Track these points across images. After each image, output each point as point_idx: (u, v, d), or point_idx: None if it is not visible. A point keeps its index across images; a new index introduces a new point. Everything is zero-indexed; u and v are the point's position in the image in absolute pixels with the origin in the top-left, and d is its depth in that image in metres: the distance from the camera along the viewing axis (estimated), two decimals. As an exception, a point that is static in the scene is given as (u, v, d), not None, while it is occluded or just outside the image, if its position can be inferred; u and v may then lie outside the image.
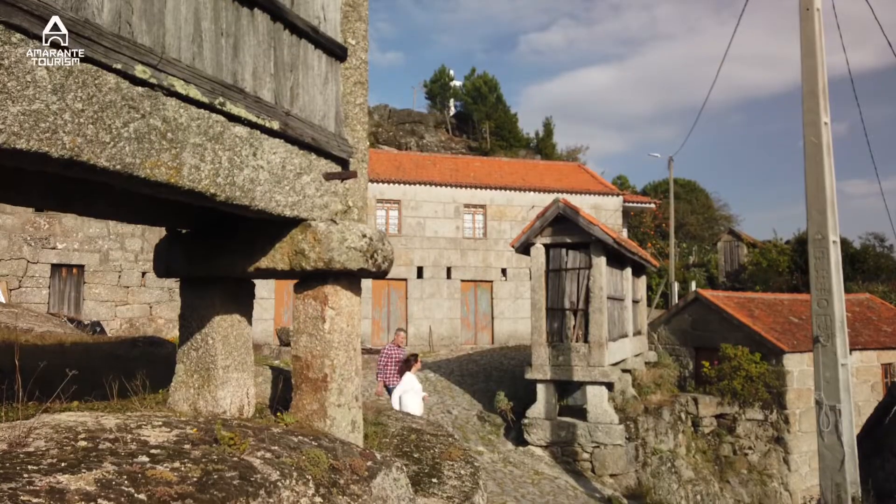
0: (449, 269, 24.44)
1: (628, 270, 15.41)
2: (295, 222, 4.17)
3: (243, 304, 4.87)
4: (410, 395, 9.40)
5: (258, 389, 5.08)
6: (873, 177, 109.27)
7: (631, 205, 27.61)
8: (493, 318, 24.86)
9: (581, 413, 12.49)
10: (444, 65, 64.25)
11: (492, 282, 24.92)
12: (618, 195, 26.56)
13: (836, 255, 7.48)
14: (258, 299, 20.75)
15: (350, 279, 4.49)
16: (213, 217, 4.47)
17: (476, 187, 24.81)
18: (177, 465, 2.58)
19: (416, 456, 5.06)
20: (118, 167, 2.82)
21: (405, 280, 23.98)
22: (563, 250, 12.69)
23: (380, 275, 4.59)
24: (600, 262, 12.29)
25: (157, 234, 22.01)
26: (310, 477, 2.94)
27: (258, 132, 3.69)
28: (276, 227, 4.22)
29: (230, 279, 4.74)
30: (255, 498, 2.56)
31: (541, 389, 12.60)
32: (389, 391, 10.33)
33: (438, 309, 24.20)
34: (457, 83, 52.85)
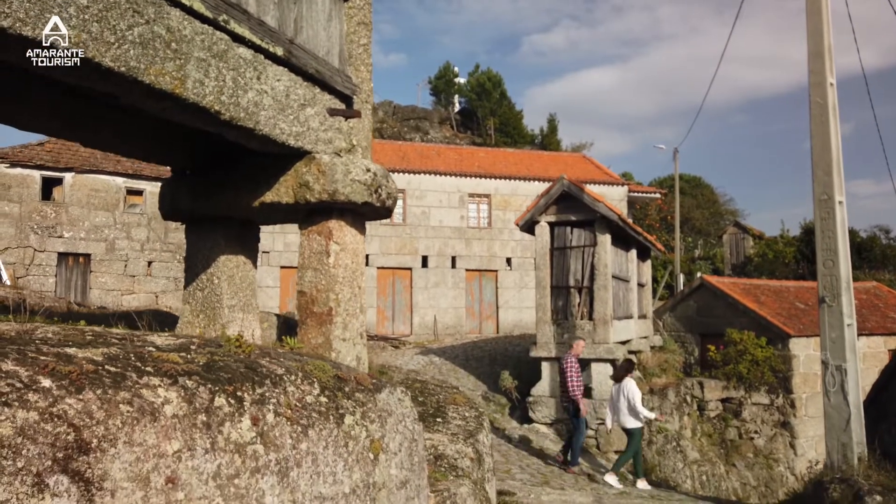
0: (454, 259, 24.44)
1: (633, 252, 15.38)
2: (299, 155, 4.19)
3: (248, 246, 4.89)
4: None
5: (263, 334, 5.10)
6: (878, 177, 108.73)
7: (636, 195, 27.55)
8: (497, 307, 24.83)
9: (586, 392, 12.45)
10: (448, 61, 64.16)
11: (496, 271, 24.90)
12: (622, 185, 26.50)
13: (841, 216, 7.45)
14: (264, 287, 20.84)
15: (354, 216, 4.51)
16: (218, 154, 4.50)
17: (480, 177, 24.80)
18: (183, 354, 2.60)
19: (420, 399, 5.06)
20: (122, 69, 2.84)
21: (410, 269, 23.99)
22: (568, 228, 12.67)
23: (383, 212, 4.60)
24: (605, 239, 12.26)
25: (163, 224, 22.09)
26: (315, 379, 2.95)
27: (262, 57, 3.70)
28: (281, 160, 4.24)
29: (235, 221, 4.76)
30: (260, 386, 2.58)
31: (545, 367, 12.58)
32: (573, 405, 9.68)
33: (443, 298, 24.20)
34: (461, 80, 52.84)
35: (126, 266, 21.57)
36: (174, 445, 2.08)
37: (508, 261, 25.03)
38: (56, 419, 1.77)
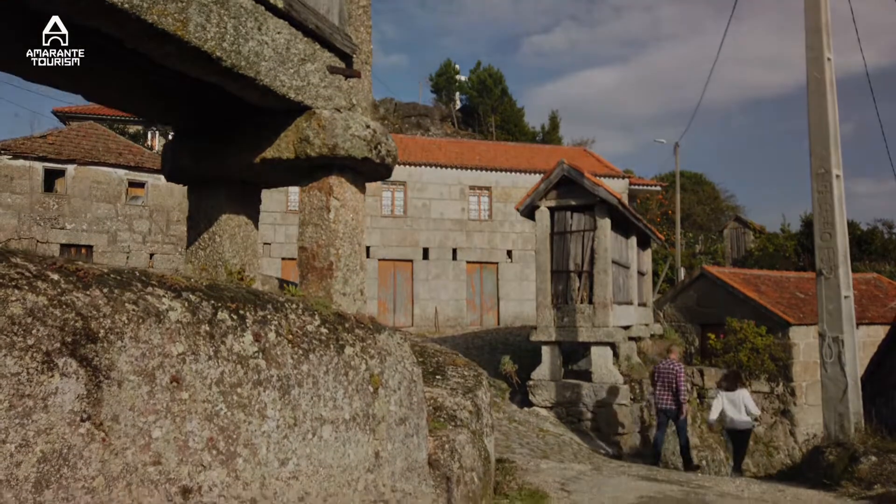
0: (454, 251, 24.49)
1: (633, 240, 15.44)
2: (299, 110, 4.24)
3: (249, 206, 4.95)
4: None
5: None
6: (879, 176, 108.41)
7: (637, 188, 27.60)
8: (498, 299, 24.89)
9: (586, 376, 12.53)
10: (449, 58, 64.17)
11: (497, 263, 24.96)
12: (623, 178, 26.56)
13: (838, 189, 7.50)
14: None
15: (355, 174, 4.56)
16: (220, 115, 4.56)
17: (481, 169, 24.86)
18: (185, 277, 2.66)
19: (420, 360, 5.11)
20: (126, 6, 2.90)
21: (411, 261, 24.05)
22: (568, 213, 12.73)
23: (383, 170, 4.65)
24: (605, 223, 12.32)
25: (165, 216, 22.16)
26: (316, 312, 3.01)
27: (262, 8, 3.76)
28: (281, 117, 4.29)
29: (237, 182, 4.82)
30: (262, 309, 2.64)
31: (545, 351, 12.64)
32: (669, 415, 10.18)
33: (444, 290, 24.25)
34: (462, 77, 52.86)
35: (128, 258, 21.62)
36: (178, 348, 2.14)
37: (509, 253, 25.09)
38: (64, 306, 1.83)
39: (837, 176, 7.50)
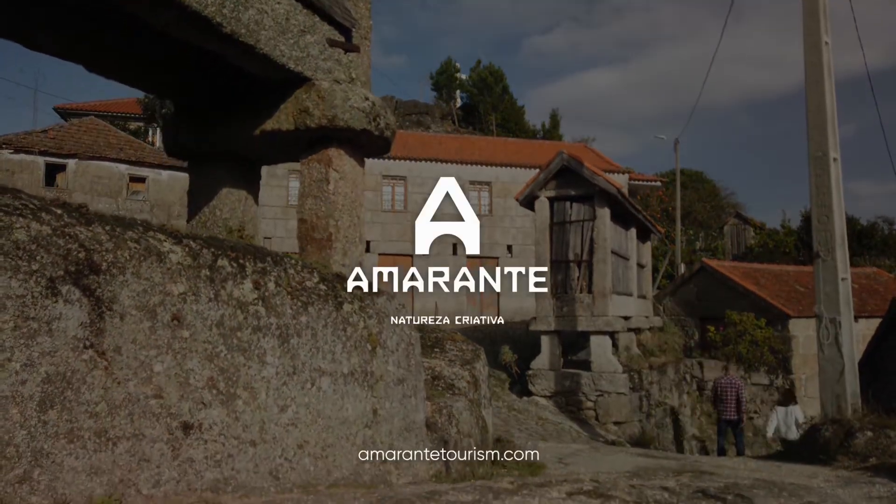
0: (454, 246, 24.50)
1: (633, 232, 15.47)
2: (299, 82, 4.28)
3: (250, 182, 4.99)
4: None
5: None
6: (878, 177, 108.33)
7: (637, 183, 27.62)
8: (498, 294, 24.92)
9: (585, 365, 12.55)
10: (450, 56, 64.13)
11: (497, 258, 24.98)
12: (624, 173, 26.59)
13: (835, 172, 7.53)
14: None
15: (354, 148, 4.60)
16: (220, 89, 4.60)
17: (482, 164, 24.89)
18: (186, 229, 2.70)
19: (419, 334, 5.15)
20: (129, -33, 2.94)
21: (411, 256, 24.07)
22: (568, 203, 12.77)
23: (381, 143, 4.69)
24: (604, 213, 12.35)
25: (166, 212, 22.18)
26: (315, 270, 3.05)
27: (262, -23, 3.80)
28: (281, 89, 4.33)
29: (237, 157, 4.86)
30: (262, 261, 2.68)
31: (545, 341, 12.68)
32: (731, 424, 10.93)
33: (444, 285, 24.25)
34: (462, 76, 52.79)
35: (129, 252, 21.63)
36: (179, 288, 2.19)
37: (509, 248, 25.13)
38: (68, 237, 1.88)
39: (835, 159, 7.54)
